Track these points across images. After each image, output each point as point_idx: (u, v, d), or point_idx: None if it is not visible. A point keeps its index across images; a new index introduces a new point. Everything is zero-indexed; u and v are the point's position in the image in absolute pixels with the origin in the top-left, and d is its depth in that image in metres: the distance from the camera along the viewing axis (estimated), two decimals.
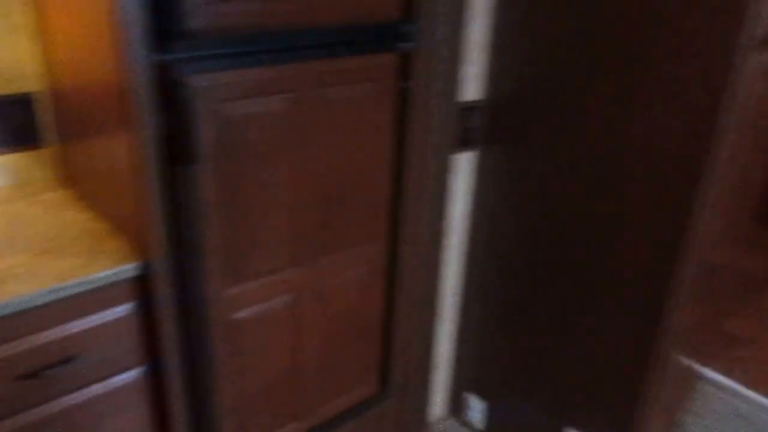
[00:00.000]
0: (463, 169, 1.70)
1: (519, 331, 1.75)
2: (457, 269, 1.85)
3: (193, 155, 1.04)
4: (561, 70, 1.44)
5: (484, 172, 1.71)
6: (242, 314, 1.29)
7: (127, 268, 1.08)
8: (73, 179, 1.34)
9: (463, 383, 2.01)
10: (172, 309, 1.15)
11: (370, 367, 1.70)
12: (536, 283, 1.66)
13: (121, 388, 1.18)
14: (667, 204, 1.32)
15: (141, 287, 1.13)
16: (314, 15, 1.15)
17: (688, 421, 1.91)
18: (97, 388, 1.15)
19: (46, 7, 1.20)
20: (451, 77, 1.46)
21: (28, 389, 1.05)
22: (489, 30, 1.55)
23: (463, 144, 1.64)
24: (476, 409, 1.98)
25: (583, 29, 1.37)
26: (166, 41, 0.98)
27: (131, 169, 1.05)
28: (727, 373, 1.82)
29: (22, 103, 1.31)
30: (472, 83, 1.58)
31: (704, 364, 1.85)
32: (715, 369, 1.84)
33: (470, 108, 1.61)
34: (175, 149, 1.03)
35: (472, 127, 1.63)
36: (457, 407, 2.06)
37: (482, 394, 1.95)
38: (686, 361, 1.76)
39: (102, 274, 1.05)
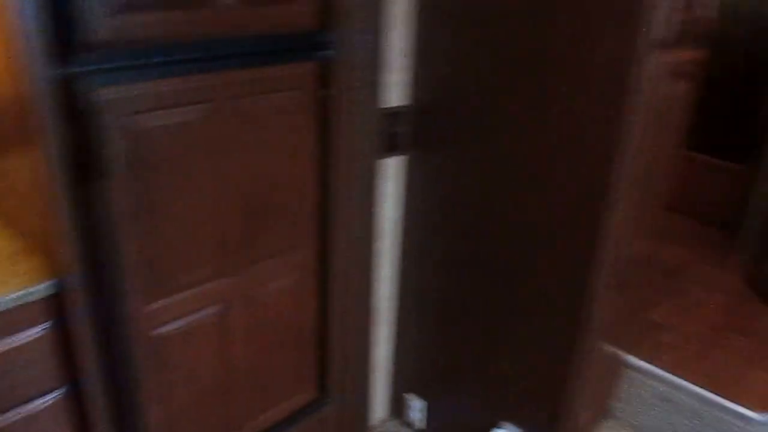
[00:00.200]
0: (393, 174, 1.73)
1: (454, 331, 1.79)
2: (392, 272, 1.88)
3: (103, 170, 1.02)
4: (479, 75, 1.49)
5: (413, 176, 1.74)
6: (167, 329, 1.27)
7: (39, 288, 1.05)
8: None
9: (402, 384, 2.03)
10: (89, 327, 1.12)
11: (307, 373, 1.70)
12: (469, 283, 1.70)
13: (42, 412, 1.14)
14: (583, 200, 1.38)
15: (56, 307, 1.09)
16: (228, 25, 1.15)
17: (616, 407, 2.00)
18: (13, 414, 1.10)
19: None
20: (374, 84, 1.48)
21: None
22: (410, 37, 1.58)
23: (390, 149, 1.66)
24: (416, 408, 2.00)
25: (497, 35, 1.42)
26: (71, 53, 0.95)
27: (37, 186, 1.02)
28: (651, 360, 1.91)
29: None
30: (396, 89, 1.61)
31: (629, 352, 1.93)
32: (640, 356, 1.93)
33: (395, 113, 1.63)
34: (84, 164, 1.01)
35: (399, 132, 1.66)
36: (398, 408, 2.08)
37: (421, 394, 1.98)
38: (612, 350, 1.84)
39: (10, 297, 1.01)
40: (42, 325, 1.09)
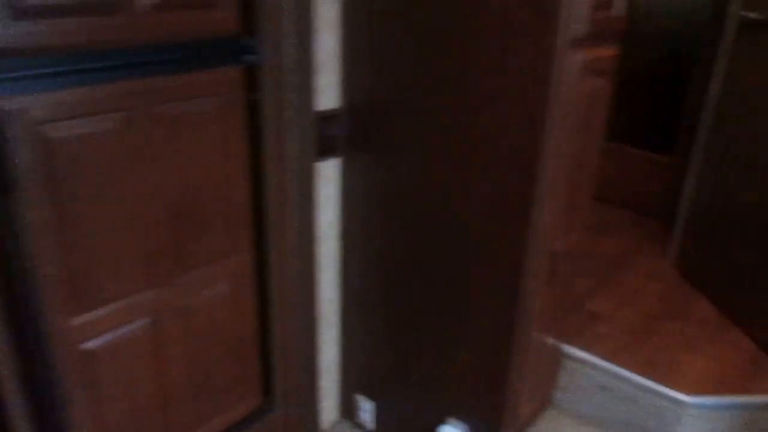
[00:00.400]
0: (331, 176, 1.73)
1: (398, 330, 1.80)
2: (335, 274, 1.88)
3: (11, 182, 0.98)
4: (405, 76, 1.50)
5: (350, 178, 1.74)
6: (96, 343, 1.24)
7: None
8: None
9: (352, 386, 2.03)
10: (8, 345, 1.08)
11: (251, 380, 1.68)
12: (409, 283, 1.71)
13: None
14: (510, 197, 1.41)
15: None
16: (145, 31, 1.13)
17: (557, 397, 2.05)
18: None
19: None
20: (305, 87, 1.48)
21: None
22: (339, 41, 1.58)
23: (327, 152, 1.66)
24: (366, 409, 2.01)
25: (421, 37, 1.44)
26: None
27: None
28: (589, 349, 1.97)
29: None
30: (329, 92, 1.61)
31: (569, 343, 1.99)
32: (579, 346, 1.98)
33: (330, 116, 1.63)
34: None
35: (333, 135, 1.66)
36: (348, 410, 2.09)
37: (371, 395, 1.98)
38: (553, 341, 1.88)
39: None
40: None
